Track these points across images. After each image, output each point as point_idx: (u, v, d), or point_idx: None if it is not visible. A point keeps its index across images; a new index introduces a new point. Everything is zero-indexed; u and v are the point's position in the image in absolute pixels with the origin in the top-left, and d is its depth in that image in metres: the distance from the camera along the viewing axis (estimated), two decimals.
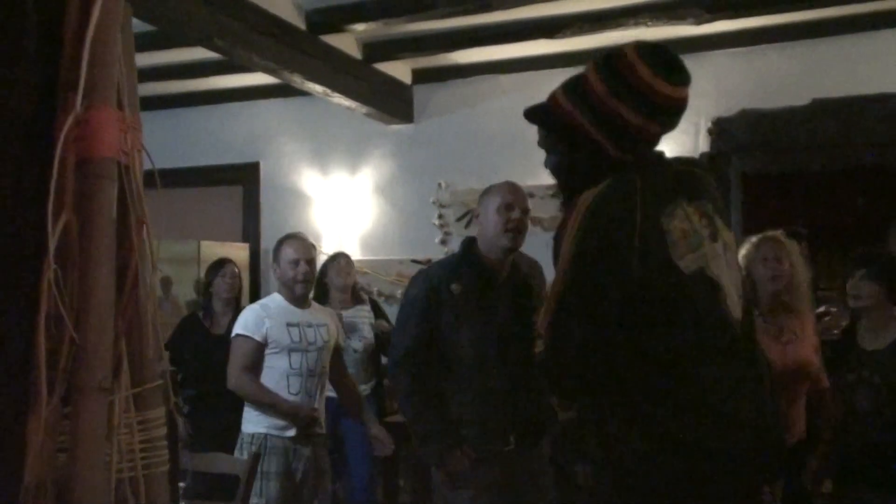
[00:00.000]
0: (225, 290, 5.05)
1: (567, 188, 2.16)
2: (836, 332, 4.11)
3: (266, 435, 3.89)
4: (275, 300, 4.10)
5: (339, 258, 5.41)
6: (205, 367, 4.62)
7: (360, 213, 6.43)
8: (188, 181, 6.73)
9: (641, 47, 2.04)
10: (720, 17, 5.05)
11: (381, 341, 5.21)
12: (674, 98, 2.01)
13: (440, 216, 6.20)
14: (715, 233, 2.02)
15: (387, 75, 6.04)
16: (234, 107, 6.80)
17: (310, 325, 4.05)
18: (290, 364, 3.95)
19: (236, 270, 5.19)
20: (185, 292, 6.29)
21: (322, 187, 6.54)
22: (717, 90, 5.32)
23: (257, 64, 5.00)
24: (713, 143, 5.44)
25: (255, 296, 6.16)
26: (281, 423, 3.90)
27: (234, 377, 3.98)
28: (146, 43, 5.20)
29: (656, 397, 1.94)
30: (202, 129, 6.88)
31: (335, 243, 6.30)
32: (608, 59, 2.07)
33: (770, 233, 3.74)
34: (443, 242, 6.14)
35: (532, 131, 5.82)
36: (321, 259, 6.21)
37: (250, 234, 6.73)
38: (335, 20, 5.17)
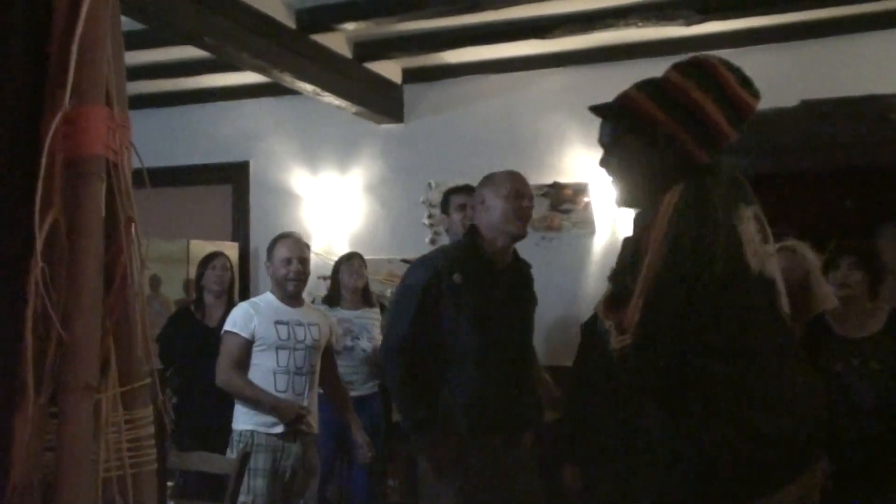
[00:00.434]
0: (215, 281, 5.05)
1: (635, 186, 2.23)
2: None
3: (253, 432, 3.92)
4: (266, 298, 4.13)
5: (353, 259, 5.43)
6: (197, 358, 4.61)
7: (349, 213, 6.43)
8: (178, 180, 6.71)
9: (728, 63, 2.16)
10: (710, 18, 5.06)
11: None
12: (753, 110, 2.15)
13: (430, 216, 6.20)
14: (766, 236, 2.14)
15: (377, 75, 6.03)
16: (224, 105, 6.79)
17: (300, 324, 4.06)
18: (277, 362, 3.97)
19: (228, 263, 5.18)
20: (174, 291, 6.27)
21: (312, 186, 6.53)
22: None
23: (247, 62, 4.99)
24: None
25: (244, 295, 6.14)
26: (269, 420, 3.92)
27: (222, 373, 4.00)
28: (135, 41, 5.19)
29: (736, 393, 2.04)
30: (192, 127, 6.87)
31: (325, 242, 6.30)
32: (698, 66, 2.15)
33: (786, 242, 3.77)
34: (432, 242, 6.13)
35: (523, 131, 5.87)
36: (313, 258, 6.21)
37: (240, 233, 6.71)
38: (325, 19, 5.16)
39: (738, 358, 2.04)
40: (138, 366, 1.28)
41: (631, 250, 2.16)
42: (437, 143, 6.23)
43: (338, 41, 5.59)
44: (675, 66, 2.19)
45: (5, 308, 1.18)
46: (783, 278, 3.58)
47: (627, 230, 6.07)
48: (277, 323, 4.01)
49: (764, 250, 2.11)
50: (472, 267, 3.21)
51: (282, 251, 4.07)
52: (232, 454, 3.85)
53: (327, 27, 5.24)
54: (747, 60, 5.94)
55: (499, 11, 5.01)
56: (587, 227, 5.81)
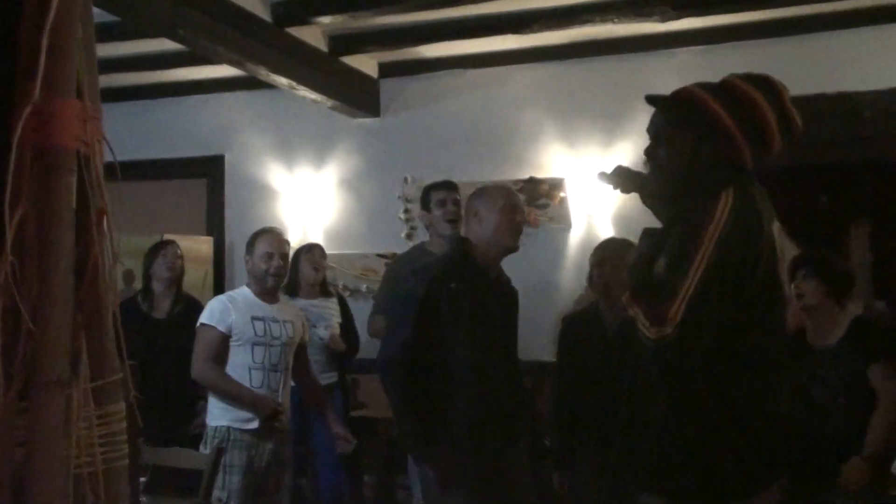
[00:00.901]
0: (167, 268, 4.92)
1: (677, 179, 2.27)
2: None
3: (229, 428, 3.89)
4: (242, 293, 4.09)
5: (313, 250, 5.36)
6: (146, 352, 4.48)
7: (325, 207, 6.41)
8: (152, 174, 6.67)
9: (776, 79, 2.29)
10: (685, 14, 5.08)
11: (348, 339, 5.20)
12: (800, 129, 2.28)
13: (406, 211, 6.20)
14: (783, 248, 2.27)
15: (353, 69, 6.02)
16: (199, 99, 6.74)
17: (275, 321, 4.04)
18: (253, 358, 3.95)
19: (178, 251, 5.04)
20: None
21: (287, 181, 6.51)
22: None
23: (222, 56, 4.95)
24: None
25: (219, 289, 6.11)
26: (244, 415, 3.89)
27: (198, 367, 3.95)
28: (109, 33, 5.14)
29: (749, 398, 2.14)
30: (166, 121, 6.82)
31: (300, 237, 6.27)
32: (761, 78, 2.28)
33: None
34: (408, 237, 6.13)
35: (499, 126, 5.87)
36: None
37: (215, 227, 6.67)
38: (301, 12, 5.14)
39: (755, 364, 2.15)
40: (110, 360, 1.27)
41: (660, 244, 2.20)
42: (413, 138, 6.22)
43: (314, 35, 5.56)
44: (736, 75, 2.29)
45: None
46: None
47: (603, 226, 6.12)
48: (254, 318, 3.98)
49: (783, 265, 2.27)
50: (468, 278, 3.23)
51: (263, 246, 4.03)
52: (205, 450, 3.83)
53: (303, 20, 5.21)
54: (721, 57, 6.01)
55: (476, 6, 5.01)
56: (563, 222, 5.82)
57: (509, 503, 3.24)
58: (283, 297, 5.20)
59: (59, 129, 1.17)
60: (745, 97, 2.21)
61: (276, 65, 5.21)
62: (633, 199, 2.68)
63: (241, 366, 3.94)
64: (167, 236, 6.10)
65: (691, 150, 2.24)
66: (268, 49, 5.12)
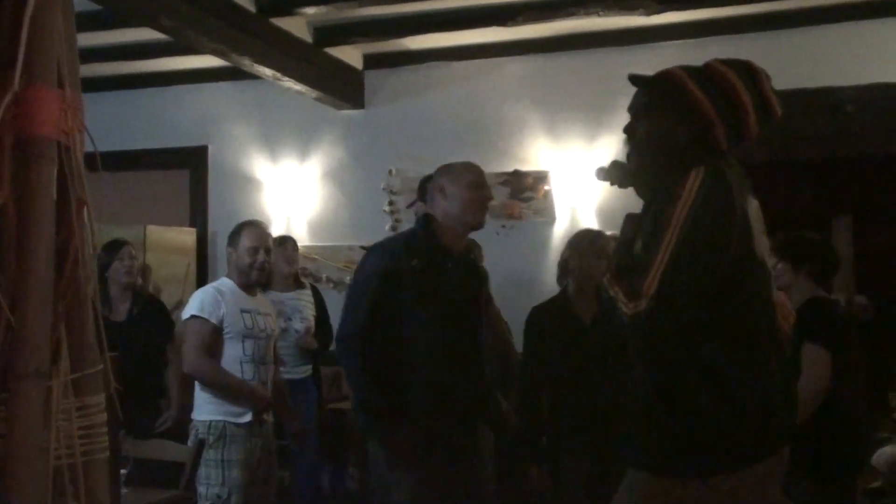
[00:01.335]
0: (124, 273, 4.80)
1: (654, 159, 2.32)
2: None
3: (225, 423, 3.80)
4: (227, 285, 4.01)
5: (286, 243, 5.32)
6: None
7: (309, 199, 6.39)
8: (135, 164, 6.64)
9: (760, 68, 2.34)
10: (669, 8, 5.10)
11: (322, 330, 5.19)
12: (779, 115, 2.31)
13: (390, 203, 6.19)
14: (764, 226, 2.29)
15: (338, 60, 6.00)
16: (182, 89, 6.71)
17: (259, 313, 4.02)
18: (244, 351, 3.89)
19: (133, 251, 4.93)
20: None
21: (271, 172, 6.49)
22: None
23: (206, 46, 4.93)
24: None
25: (202, 281, 6.09)
26: (237, 409, 3.83)
27: (193, 360, 3.85)
28: (92, 22, 5.10)
29: (731, 370, 2.17)
30: (149, 111, 6.78)
31: (284, 229, 6.25)
32: (741, 63, 2.33)
33: None
34: (393, 229, 6.12)
35: (484, 119, 5.87)
36: None
37: (198, 218, 6.65)
38: (286, 3, 5.12)
39: (739, 337, 2.19)
40: (90, 352, 1.26)
41: (640, 226, 2.26)
42: (397, 129, 6.21)
43: (298, 25, 5.54)
44: (719, 59, 2.36)
45: None
46: None
47: (587, 219, 6.13)
48: (243, 311, 3.93)
49: (763, 241, 2.27)
50: (430, 255, 3.20)
51: (249, 240, 3.98)
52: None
53: (287, 11, 5.20)
54: (704, 51, 6.02)
55: None
56: (547, 215, 5.83)
57: (464, 487, 3.20)
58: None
59: (39, 119, 1.16)
60: (724, 80, 2.27)
61: (261, 55, 5.19)
62: (617, 192, 2.69)
63: (232, 359, 3.87)
64: (150, 227, 6.08)
65: (668, 129, 2.29)
66: (252, 39, 5.09)
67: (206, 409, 3.87)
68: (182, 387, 4.53)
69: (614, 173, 2.45)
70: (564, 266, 3.92)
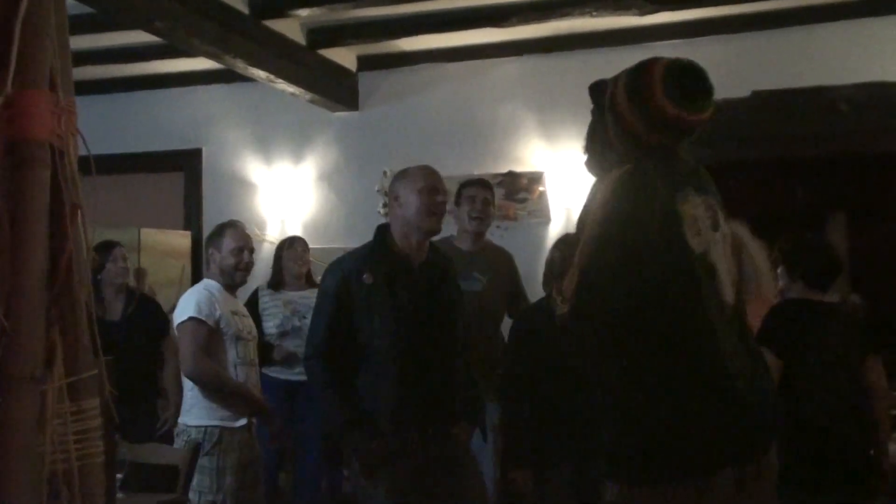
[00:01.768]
0: (118, 274, 4.81)
1: (596, 160, 2.36)
2: None
3: (221, 428, 3.74)
4: (214, 286, 3.93)
5: (295, 245, 5.33)
6: (104, 356, 4.39)
7: (304, 201, 6.38)
8: (129, 167, 6.62)
9: (672, 66, 2.25)
10: (663, 8, 5.10)
11: None
12: (683, 120, 2.21)
13: (385, 205, 6.16)
14: (716, 223, 2.22)
15: (331, 62, 5.99)
16: (176, 92, 6.69)
17: (243, 315, 4.00)
18: (237, 353, 3.85)
19: (124, 252, 4.93)
20: None
21: (265, 174, 6.47)
22: None
23: (199, 48, 4.92)
24: None
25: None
26: (231, 413, 3.77)
27: (193, 363, 3.73)
28: (85, 25, 5.09)
29: (663, 367, 2.13)
30: (143, 114, 6.76)
31: (279, 231, 6.25)
32: (638, 66, 2.28)
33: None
34: None
35: (478, 120, 5.86)
36: (266, 246, 6.17)
37: (192, 221, 6.63)
38: (279, 4, 5.11)
39: (669, 341, 2.13)
40: (85, 356, 1.25)
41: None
42: (392, 131, 6.20)
43: (291, 27, 5.54)
44: (667, 59, 2.32)
45: None
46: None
47: None
48: (233, 313, 3.89)
49: (711, 236, 2.18)
50: (383, 266, 3.19)
51: (232, 240, 3.93)
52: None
53: (281, 13, 5.19)
54: (699, 51, 6.04)
55: None
56: (542, 216, 5.83)
57: (443, 496, 3.18)
58: (262, 290, 5.20)
59: (32, 122, 1.16)
60: (616, 96, 2.26)
61: (254, 57, 5.18)
62: None
63: (229, 362, 3.82)
64: (144, 230, 6.07)
65: (604, 132, 2.31)
66: (245, 41, 5.09)
67: (198, 413, 3.77)
68: (180, 387, 4.51)
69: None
70: (551, 268, 3.88)
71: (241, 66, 5.22)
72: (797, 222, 5.91)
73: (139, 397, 4.54)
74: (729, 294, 2.19)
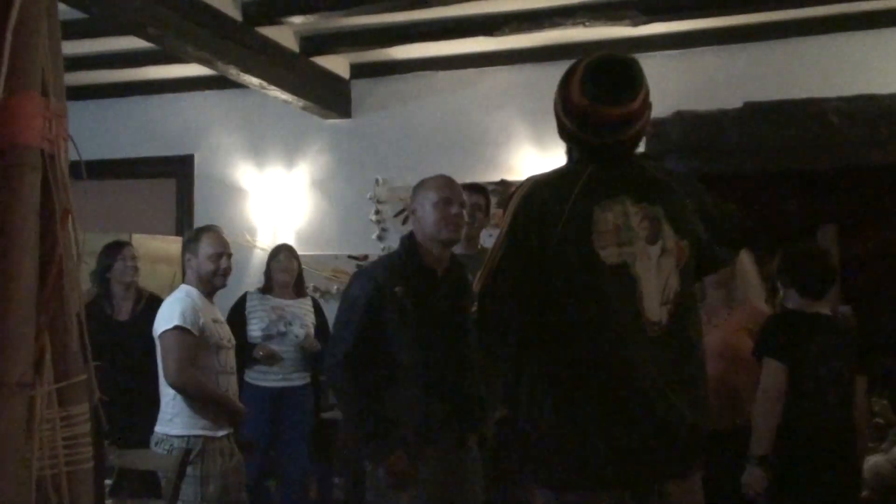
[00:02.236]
0: (128, 273, 4.81)
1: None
2: None
3: (204, 437, 3.69)
4: (194, 293, 3.84)
5: (279, 253, 5.32)
6: (111, 354, 4.33)
7: (296, 208, 6.38)
8: (121, 173, 6.61)
9: (594, 63, 2.22)
10: (655, 19, 5.12)
11: (324, 340, 5.18)
12: (598, 113, 2.16)
13: (377, 212, 6.18)
14: (655, 236, 2.14)
15: (324, 69, 6.00)
16: (168, 98, 6.69)
17: (222, 323, 3.94)
18: (219, 361, 3.79)
19: (134, 252, 4.94)
20: None
21: (257, 181, 6.47)
22: (652, 91, 5.37)
23: (191, 54, 4.92)
24: (648, 144, 5.50)
25: None
26: (211, 423, 3.73)
27: (179, 373, 3.66)
28: (77, 31, 5.08)
29: (561, 373, 2.12)
30: (135, 120, 6.76)
31: (270, 238, 6.24)
32: (571, 66, 2.27)
33: None
34: (380, 238, 6.12)
35: (471, 129, 5.85)
36: (258, 252, 6.17)
37: (184, 227, 6.61)
38: (272, 12, 5.12)
39: (571, 348, 2.11)
40: (74, 361, 1.25)
41: None
42: (384, 139, 6.21)
43: (284, 35, 5.54)
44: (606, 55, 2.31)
45: None
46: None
47: None
48: (214, 321, 3.83)
49: (641, 249, 2.12)
50: (413, 278, 3.20)
51: (210, 246, 3.85)
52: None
53: (274, 20, 5.19)
54: (692, 62, 6.06)
55: (447, 7, 5.02)
56: None
57: (458, 502, 3.20)
58: (252, 295, 5.20)
59: (22, 127, 1.16)
60: (569, 76, 2.25)
61: (247, 64, 5.18)
62: None
63: (209, 371, 3.76)
64: (135, 236, 6.05)
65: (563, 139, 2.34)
66: (238, 48, 5.09)
67: (182, 423, 3.72)
68: None
69: None
70: None
71: (233, 73, 5.22)
72: (788, 233, 5.92)
73: (146, 396, 4.53)
74: (654, 312, 2.11)
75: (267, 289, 5.27)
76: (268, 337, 5.01)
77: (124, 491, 3.56)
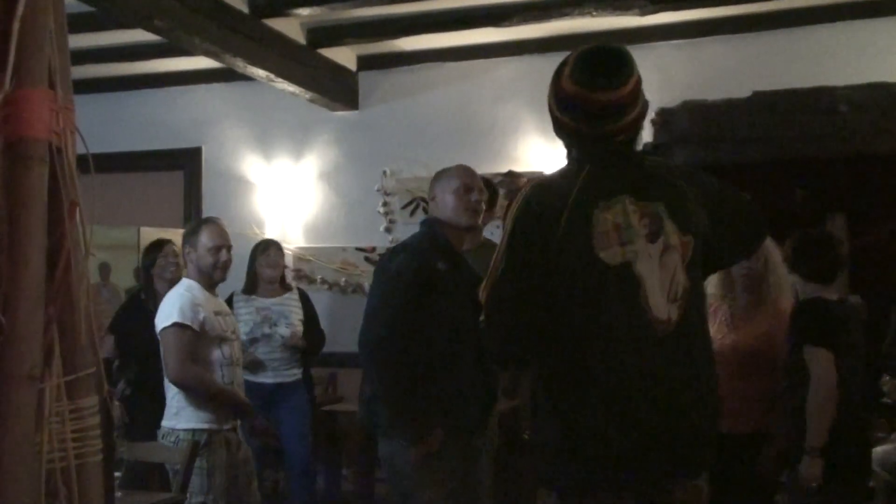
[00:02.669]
0: (170, 270, 4.84)
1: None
2: None
3: (209, 430, 3.70)
4: (196, 287, 3.84)
5: (269, 249, 5.23)
6: (147, 349, 4.39)
7: (303, 200, 6.38)
8: (129, 166, 6.62)
9: (583, 52, 2.19)
10: (664, 8, 5.10)
11: (309, 337, 5.16)
12: (586, 99, 2.14)
13: (385, 204, 6.18)
14: (656, 234, 2.11)
15: (331, 61, 5.99)
16: (176, 91, 6.69)
17: (226, 314, 3.94)
18: (223, 354, 3.79)
19: (177, 249, 4.93)
20: (124, 279, 6.18)
21: (265, 173, 6.47)
22: (660, 81, 5.37)
23: (199, 47, 4.92)
24: (657, 134, 5.49)
25: None
26: (216, 416, 3.72)
27: (180, 369, 3.69)
28: (84, 24, 5.09)
29: (566, 377, 2.10)
30: (143, 113, 6.76)
31: (278, 230, 6.25)
32: (563, 60, 2.23)
33: None
34: (387, 230, 6.12)
35: (478, 120, 5.85)
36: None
37: (192, 220, 6.62)
38: (279, 4, 5.11)
39: (577, 352, 2.09)
40: (83, 354, 1.25)
41: None
42: (392, 130, 6.20)
43: (291, 26, 5.53)
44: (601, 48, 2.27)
45: None
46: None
47: None
48: (216, 313, 3.82)
49: (643, 247, 2.09)
50: (448, 256, 3.22)
51: (210, 239, 3.82)
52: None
53: (281, 12, 5.19)
54: (700, 51, 6.04)
55: None
56: None
57: (476, 483, 3.21)
58: (237, 295, 5.16)
59: (30, 120, 1.16)
60: (561, 67, 2.23)
61: (254, 57, 5.18)
62: None
63: (212, 363, 3.77)
64: (143, 229, 6.07)
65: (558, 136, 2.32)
66: (245, 41, 5.08)
67: (187, 417, 3.73)
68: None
69: None
70: None
71: (241, 65, 5.22)
72: (796, 223, 5.90)
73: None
74: (662, 309, 2.07)
75: (251, 288, 5.17)
76: (253, 340, 4.96)
77: (133, 483, 3.57)
